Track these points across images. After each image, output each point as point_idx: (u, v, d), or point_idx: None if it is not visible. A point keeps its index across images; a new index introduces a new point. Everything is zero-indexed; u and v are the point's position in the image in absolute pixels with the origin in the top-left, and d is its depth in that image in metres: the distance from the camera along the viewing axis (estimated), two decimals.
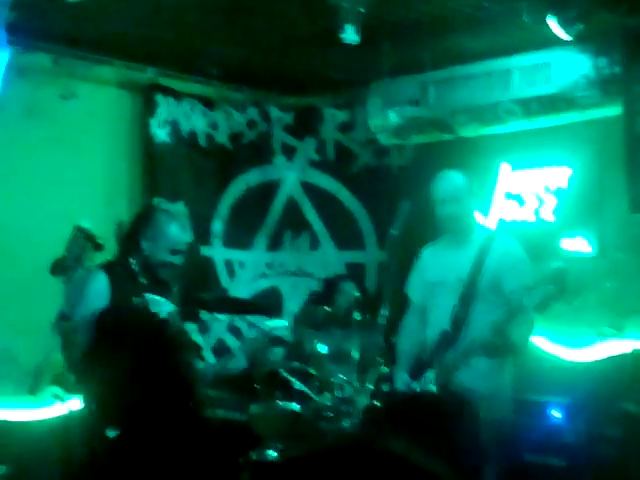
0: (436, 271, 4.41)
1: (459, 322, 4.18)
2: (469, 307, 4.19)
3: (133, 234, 3.92)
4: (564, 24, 4.64)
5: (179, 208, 3.98)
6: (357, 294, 5.68)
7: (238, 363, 6.40)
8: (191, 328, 6.45)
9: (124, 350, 3.71)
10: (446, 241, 4.44)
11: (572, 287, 3.80)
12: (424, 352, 4.29)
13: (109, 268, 3.86)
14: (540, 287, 3.84)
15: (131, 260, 3.86)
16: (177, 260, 3.91)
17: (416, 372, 4.25)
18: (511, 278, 4.16)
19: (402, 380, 4.35)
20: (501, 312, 4.02)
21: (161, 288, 3.90)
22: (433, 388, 4.13)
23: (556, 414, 5.32)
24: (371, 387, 4.89)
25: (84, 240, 3.80)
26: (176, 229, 3.90)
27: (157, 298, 3.88)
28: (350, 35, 4.72)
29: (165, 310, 3.93)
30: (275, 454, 4.88)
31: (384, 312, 4.17)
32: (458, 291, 4.23)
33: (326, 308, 5.96)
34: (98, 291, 3.78)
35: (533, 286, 3.88)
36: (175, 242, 3.90)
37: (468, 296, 4.20)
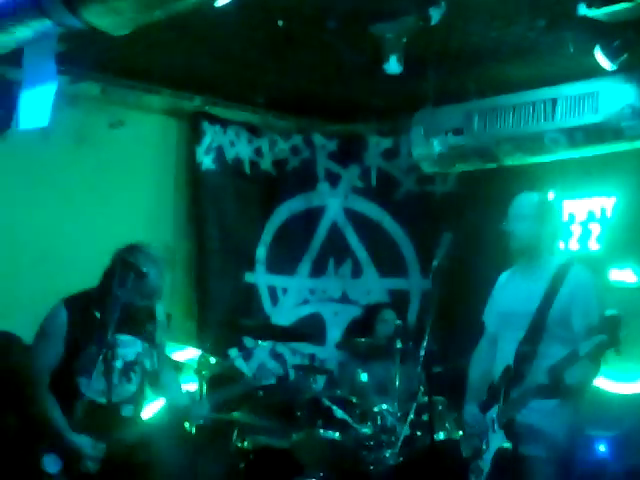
0: (507, 300, 4.29)
1: (523, 358, 4.04)
2: (536, 342, 4.04)
3: (110, 274, 3.93)
4: (608, 54, 4.62)
5: (158, 253, 4.03)
6: (398, 322, 5.65)
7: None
8: (234, 355, 6.54)
9: None
10: (520, 267, 4.31)
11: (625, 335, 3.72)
12: (492, 385, 4.19)
13: (74, 303, 3.89)
14: (593, 336, 3.77)
15: (105, 299, 3.85)
16: (151, 303, 3.96)
17: (485, 405, 4.16)
18: (579, 316, 4.03)
19: (470, 413, 4.25)
20: (563, 354, 3.89)
21: (133, 327, 3.93)
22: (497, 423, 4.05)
23: (601, 448, 5.24)
24: (412, 416, 4.88)
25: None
26: (153, 273, 3.92)
27: (126, 338, 3.93)
28: (393, 66, 4.74)
29: (134, 351, 3.98)
30: None
31: (425, 342, 4.14)
32: (526, 324, 4.09)
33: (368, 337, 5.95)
34: (56, 327, 3.84)
35: (586, 335, 3.81)
36: (150, 286, 3.93)
37: (535, 331, 4.06)
